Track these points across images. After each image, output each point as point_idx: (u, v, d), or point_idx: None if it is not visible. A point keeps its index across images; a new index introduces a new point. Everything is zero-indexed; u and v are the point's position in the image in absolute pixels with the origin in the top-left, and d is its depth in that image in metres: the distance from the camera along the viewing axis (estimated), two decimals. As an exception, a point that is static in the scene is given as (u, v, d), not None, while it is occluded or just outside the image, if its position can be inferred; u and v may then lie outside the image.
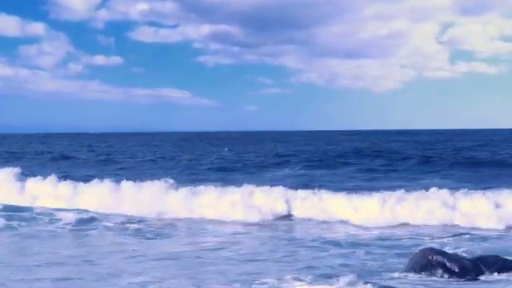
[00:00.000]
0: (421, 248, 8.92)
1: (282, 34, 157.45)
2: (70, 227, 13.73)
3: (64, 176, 20.23)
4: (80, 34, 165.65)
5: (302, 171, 26.47)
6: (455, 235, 11.62)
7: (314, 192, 15.49)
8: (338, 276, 7.87)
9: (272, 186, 16.30)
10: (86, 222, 14.28)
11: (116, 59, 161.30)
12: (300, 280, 7.88)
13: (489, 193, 14.21)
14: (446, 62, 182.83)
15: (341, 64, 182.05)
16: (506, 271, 8.03)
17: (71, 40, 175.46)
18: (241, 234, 12.82)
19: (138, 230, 13.34)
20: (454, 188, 15.15)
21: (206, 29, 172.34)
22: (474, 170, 24.48)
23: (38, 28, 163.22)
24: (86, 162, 35.65)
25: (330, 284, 7.65)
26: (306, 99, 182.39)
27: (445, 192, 14.38)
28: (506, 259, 8.32)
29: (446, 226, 13.02)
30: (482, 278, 7.88)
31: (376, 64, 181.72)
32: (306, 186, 17.35)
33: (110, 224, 13.95)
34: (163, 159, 36.69)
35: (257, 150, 46.90)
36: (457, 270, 7.98)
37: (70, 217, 14.56)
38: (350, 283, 7.47)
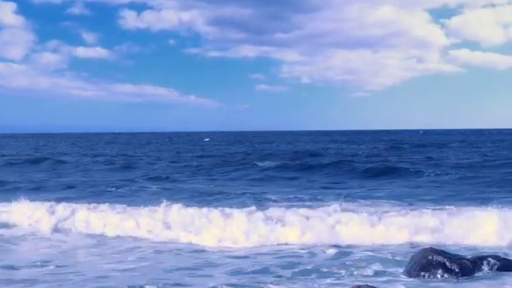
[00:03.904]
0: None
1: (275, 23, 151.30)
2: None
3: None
4: (55, 20, 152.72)
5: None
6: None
7: None
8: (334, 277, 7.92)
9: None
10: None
11: (99, 50, 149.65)
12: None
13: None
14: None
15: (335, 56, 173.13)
16: (507, 271, 8.04)
17: (44, 27, 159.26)
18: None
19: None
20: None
21: (202, 15, 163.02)
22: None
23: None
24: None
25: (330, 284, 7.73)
26: (306, 98, 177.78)
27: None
28: (506, 259, 8.34)
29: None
30: (483, 277, 7.89)
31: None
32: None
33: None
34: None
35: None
36: (457, 270, 8.00)
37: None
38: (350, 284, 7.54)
